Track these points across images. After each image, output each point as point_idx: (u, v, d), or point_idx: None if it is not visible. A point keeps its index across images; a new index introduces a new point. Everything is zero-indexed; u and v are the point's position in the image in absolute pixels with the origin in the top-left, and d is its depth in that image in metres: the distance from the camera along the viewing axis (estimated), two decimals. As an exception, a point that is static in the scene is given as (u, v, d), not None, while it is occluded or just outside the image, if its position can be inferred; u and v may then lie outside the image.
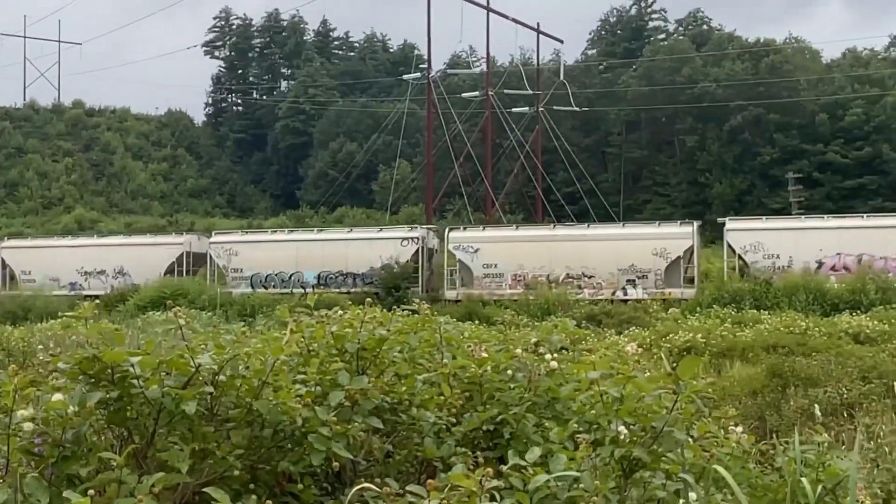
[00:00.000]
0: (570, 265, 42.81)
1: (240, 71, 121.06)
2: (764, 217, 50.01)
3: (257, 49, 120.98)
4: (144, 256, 49.11)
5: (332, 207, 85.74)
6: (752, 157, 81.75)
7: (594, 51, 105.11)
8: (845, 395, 12.86)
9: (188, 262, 49.60)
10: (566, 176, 75.13)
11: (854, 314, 30.49)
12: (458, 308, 38.38)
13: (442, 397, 4.58)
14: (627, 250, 42.70)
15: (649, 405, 3.69)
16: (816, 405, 8.90)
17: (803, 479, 4.00)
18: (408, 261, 46.03)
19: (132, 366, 3.45)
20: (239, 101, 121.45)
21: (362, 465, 4.30)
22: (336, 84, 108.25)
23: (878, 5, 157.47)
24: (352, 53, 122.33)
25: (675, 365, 3.85)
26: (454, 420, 4.56)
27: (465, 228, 49.72)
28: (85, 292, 46.31)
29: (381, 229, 51.27)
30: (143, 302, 41.06)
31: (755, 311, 32.89)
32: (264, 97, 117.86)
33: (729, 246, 43.25)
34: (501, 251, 44.54)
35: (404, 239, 46.20)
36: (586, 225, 51.30)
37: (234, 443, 3.73)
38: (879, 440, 7.04)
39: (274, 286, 45.81)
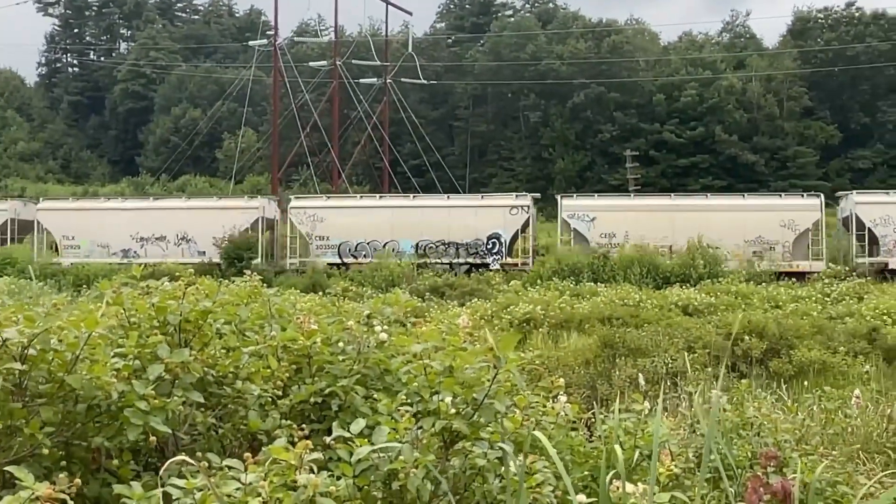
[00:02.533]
0: (693, 236, 40.96)
1: (76, 30, 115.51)
2: (891, 191, 48.05)
3: (94, 7, 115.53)
4: (214, 222, 44.63)
5: (174, 175, 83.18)
6: (592, 134, 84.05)
7: (443, 24, 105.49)
8: (671, 365, 13.43)
9: (262, 227, 45.56)
10: (413, 148, 75.34)
11: (684, 287, 31.85)
12: (302, 279, 38.01)
13: (269, 370, 4.51)
14: (753, 221, 41.68)
15: (472, 377, 3.74)
16: (640, 374, 9.27)
17: (616, 446, 4.14)
18: (246, 229, 44.49)
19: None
20: (75, 61, 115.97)
21: (185, 440, 4.20)
22: (179, 48, 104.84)
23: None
24: (196, 17, 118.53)
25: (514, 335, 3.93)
26: (280, 393, 4.50)
27: (576, 196, 47.57)
28: (140, 260, 41.20)
29: (483, 197, 49.00)
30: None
31: (593, 283, 33.77)
32: (102, 59, 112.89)
33: (857, 219, 42.26)
34: (620, 220, 42.78)
35: (513, 207, 43.90)
36: (706, 195, 50.13)
37: (45, 419, 3.57)
38: (699, 406, 7.37)
39: (365, 255, 42.83)
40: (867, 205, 43.16)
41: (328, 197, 51.73)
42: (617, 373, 12.93)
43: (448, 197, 49.32)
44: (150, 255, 43.96)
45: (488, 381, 3.65)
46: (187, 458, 3.21)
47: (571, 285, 32.86)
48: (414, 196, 50.38)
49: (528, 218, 43.73)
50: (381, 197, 50.88)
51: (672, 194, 50.41)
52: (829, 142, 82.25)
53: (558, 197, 45.92)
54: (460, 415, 3.64)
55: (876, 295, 28.79)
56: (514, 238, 43.83)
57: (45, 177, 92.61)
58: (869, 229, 42.04)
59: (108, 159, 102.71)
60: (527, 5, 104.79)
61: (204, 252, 43.79)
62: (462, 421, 3.60)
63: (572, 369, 13.78)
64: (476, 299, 29.29)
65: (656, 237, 40.97)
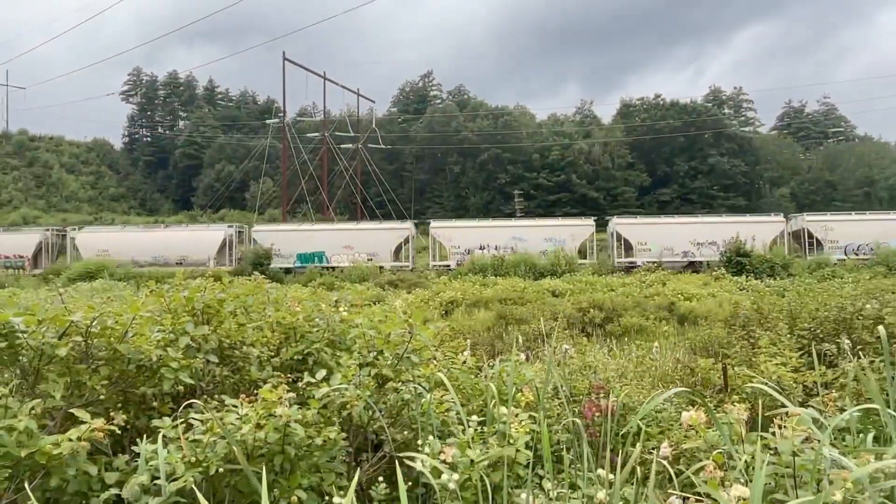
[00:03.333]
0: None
1: (148, 112, 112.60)
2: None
3: (161, 97, 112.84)
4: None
5: (217, 209, 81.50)
6: (494, 180, 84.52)
7: (395, 108, 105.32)
8: (542, 329, 13.44)
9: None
10: (377, 189, 74.92)
11: (553, 278, 31.95)
12: (303, 276, 37.17)
13: (266, 338, 4.39)
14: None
15: (397, 339, 3.68)
16: (520, 336, 9.26)
17: (491, 384, 4.10)
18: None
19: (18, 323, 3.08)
20: (148, 134, 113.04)
21: (207, 387, 4.06)
22: (219, 124, 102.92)
23: (599, 88, 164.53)
24: (230, 103, 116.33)
25: (447, 312, 3.86)
26: (274, 353, 4.38)
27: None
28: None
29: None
30: (73, 275, 37.40)
31: (494, 277, 33.62)
32: (167, 132, 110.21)
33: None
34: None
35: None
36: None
37: (103, 375, 3.41)
38: (557, 356, 7.38)
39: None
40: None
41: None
42: (507, 336, 12.92)
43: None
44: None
45: (406, 342, 3.59)
46: (196, 401, 3.09)
47: (481, 278, 32.67)
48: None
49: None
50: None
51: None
52: (644, 184, 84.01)
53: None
54: (388, 365, 3.58)
55: (674, 282, 29.22)
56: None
57: (128, 211, 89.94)
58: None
59: (172, 199, 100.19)
60: (450, 96, 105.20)
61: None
62: (389, 369, 3.53)
63: (479, 334, 13.72)
64: (418, 289, 28.87)
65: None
